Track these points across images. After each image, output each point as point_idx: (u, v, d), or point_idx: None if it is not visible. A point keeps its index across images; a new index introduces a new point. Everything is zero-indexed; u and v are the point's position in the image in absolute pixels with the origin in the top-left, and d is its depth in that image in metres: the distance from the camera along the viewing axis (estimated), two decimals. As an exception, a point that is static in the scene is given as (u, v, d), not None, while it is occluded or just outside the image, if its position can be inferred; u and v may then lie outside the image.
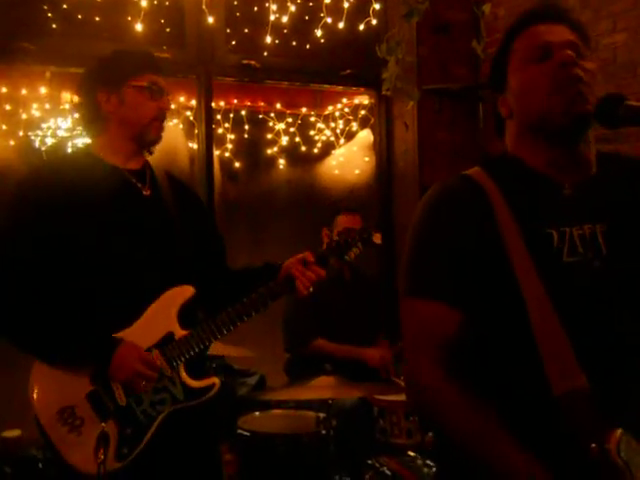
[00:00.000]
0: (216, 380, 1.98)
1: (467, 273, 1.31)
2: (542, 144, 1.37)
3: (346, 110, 5.53)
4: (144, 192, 2.03)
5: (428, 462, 2.58)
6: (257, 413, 2.94)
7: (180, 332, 1.95)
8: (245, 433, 2.74)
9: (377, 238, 2.22)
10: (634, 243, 1.34)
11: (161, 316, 1.94)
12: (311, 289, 2.07)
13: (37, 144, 4.52)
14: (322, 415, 2.70)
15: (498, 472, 1.20)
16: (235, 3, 4.32)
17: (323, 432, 2.66)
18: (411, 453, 2.71)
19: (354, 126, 5.48)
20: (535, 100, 1.35)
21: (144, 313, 1.93)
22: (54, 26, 4.00)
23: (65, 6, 3.98)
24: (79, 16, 4.02)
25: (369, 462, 2.68)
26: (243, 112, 5.42)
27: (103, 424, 1.84)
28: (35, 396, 1.90)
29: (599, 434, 1.19)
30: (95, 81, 2.02)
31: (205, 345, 1.97)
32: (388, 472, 2.58)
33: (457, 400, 1.27)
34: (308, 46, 4.48)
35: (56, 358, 1.90)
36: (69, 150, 4.43)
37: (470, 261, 1.31)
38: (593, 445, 1.18)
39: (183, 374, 1.95)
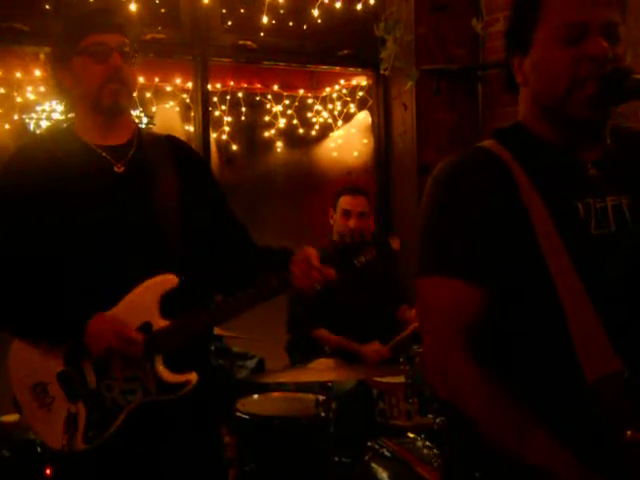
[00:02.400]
0: (192, 377, 1.85)
1: (491, 248, 1.23)
2: (557, 124, 1.30)
3: (344, 91, 5.49)
4: (116, 169, 1.90)
5: (428, 443, 2.57)
6: (256, 396, 2.93)
7: (159, 323, 1.83)
8: (244, 416, 2.73)
9: (395, 243, 1.95)
10: None
11: (140, 305, 1.83)
12: (318, 287, 1.86)
13: (32, 127, 4.49)
14: (321, 397, 2.70)
15: (532, 464, 1.12)
16: (231, -17, 4.26)
17: (322, 414, 2.65)
18: (411, 435, 2.70)
19: (352, 108, 5.44)
20: (554, 88, 1.26)
21: (121, 300, 1.83)
22: (47, 7, 3.94)
23: (58, -14, 3.93)
24: (73, -4, 3.96)
25: (369, 444, 2.67)
26: (240, 94, 5.39)
27: (70, 405, 1.81)
28: (12, 368, 1.89)
29: (633, 419, 1.14)
30: (53, 62, 1.95)
31: (185, 338, 1.83)
32: (388, 454, 2.57)
33: (485, 387, 1.19)
34: (305, 26, 4.42)
35: (30, 332, 1.87)
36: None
37: (493, 236, 1.23)
38: (629, 432, 1.13)
39: (159, 366, 1.83)
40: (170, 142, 2.06)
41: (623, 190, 1.29)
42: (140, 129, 2.04)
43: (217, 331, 3.13)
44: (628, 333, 1.20)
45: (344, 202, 3.63)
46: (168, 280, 1.85)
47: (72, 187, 1.85)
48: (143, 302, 1.84)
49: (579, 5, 1.24)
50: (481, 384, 1.20)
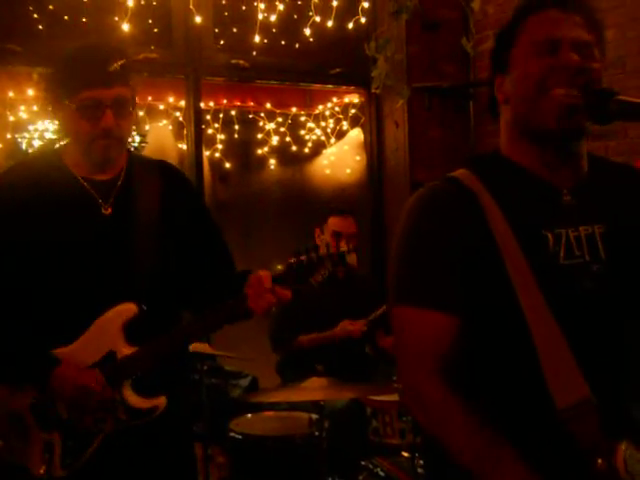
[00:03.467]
0: (161, 402, 1.85)
1: (462, 280, 1.26)
2: (534, 143, 1.32)
3: (336, 109, 5.52)
4: (103, 210, 1.88)
5: (422, 462, 2.56)
6: (249, 415, 2.92)
7: (124, 351, 1.84)
8: (237, 436, 2.72)
9: (352, 259, 1.95)
10: (633, 246, 1.30)
11: (103, 335, 1.84)
12: (272, 308, 1.86)
13: (24, 146, 4.49)
14: (315, 416, 2.69)
15: None
16: (223, 2, 4.29)
17: (316, 433, 2.64)
18: (405, 453, 2.70)
19: (344, 125, 5.47)
20: (525, 97, 1.30)
21: (85, 332, 1.84)
22: (40, 27, 3.96)
23: (51, 7, 3.95)
24: (65, 17, 3.99)
25: (362, 463, 2.66)
26: (233, 112, 5.41)
27: (44, 435, 1.82)
28: None
29: (603, 447, 1.15)
30: (47, 95, 1.89)
31: (152, 363, 1.84)
32: (382, 473, 2.57)
33: (462, 419, 1.21)
34: (297, 45, 4.46)
35: None
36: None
37: (464, 267, 1.26)
38: (600, 461, 1.14)
39: (127, 393, 1.83)
40: (161, 170, 2.02)
41: (597, 219, 1.30)
42: (132, 157, 1.99)
43: (210, 350, 3.12)
44: (597, 361, 1.22)
45: (334, 223, 3.62)
46: (128, 309, 1.85)
47: (56, 223, 1.84)
48: (106, 332, 1.85)
49: (553, 25, 1.30)
50: (455, 414, 1.22)
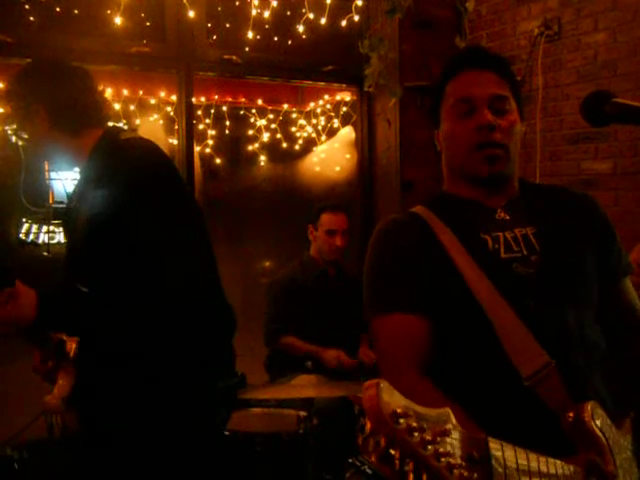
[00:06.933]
0: None
1: (423, 286, 1.43)
2: (466, 181, 1.55)
3: (328, 107, 5.52)
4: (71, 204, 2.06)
5: (409, 461, 2.56)
6: (237, 412, 2.92)
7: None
8: (225, 432, 2.72)
9: None
10: (561, 242, 1.49)
11: None
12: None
13: (14, 139, 4.45)
14: (303, 414, 2.69)
15: None
16: (216, -3, 4.28)
17: (304, 431, 2.64)
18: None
19: (336, 123, 5.47)
20: (456, 153, 1.54)
21: None
22: (32, 19, 3.94)
23: (43, -1, 3.93)
24: (57, 9, 3.96)
25: (350, 461, 2.66)
26: (224, 108, 5.40)
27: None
28: None
29: (571, 405, 1.29)
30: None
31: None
32: (369, 471, 2.57)
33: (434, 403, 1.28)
34: (290, 42, 4.45)
35: None
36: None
37: (423, 276, 1.44)
38: (570, 414, 1.28)
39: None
40: (113, 171, 1.84)
41: (528, 223, 1.51)
42: (96, 156, 1.93)
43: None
44: (549, 334, 1.37)
45: (327, 220, 3.63)
46: None
47: None
48: None
49: (468, 86, 1.53)
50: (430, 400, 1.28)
